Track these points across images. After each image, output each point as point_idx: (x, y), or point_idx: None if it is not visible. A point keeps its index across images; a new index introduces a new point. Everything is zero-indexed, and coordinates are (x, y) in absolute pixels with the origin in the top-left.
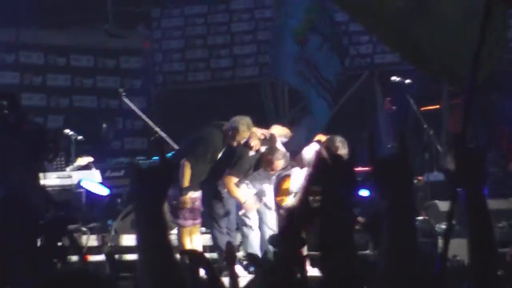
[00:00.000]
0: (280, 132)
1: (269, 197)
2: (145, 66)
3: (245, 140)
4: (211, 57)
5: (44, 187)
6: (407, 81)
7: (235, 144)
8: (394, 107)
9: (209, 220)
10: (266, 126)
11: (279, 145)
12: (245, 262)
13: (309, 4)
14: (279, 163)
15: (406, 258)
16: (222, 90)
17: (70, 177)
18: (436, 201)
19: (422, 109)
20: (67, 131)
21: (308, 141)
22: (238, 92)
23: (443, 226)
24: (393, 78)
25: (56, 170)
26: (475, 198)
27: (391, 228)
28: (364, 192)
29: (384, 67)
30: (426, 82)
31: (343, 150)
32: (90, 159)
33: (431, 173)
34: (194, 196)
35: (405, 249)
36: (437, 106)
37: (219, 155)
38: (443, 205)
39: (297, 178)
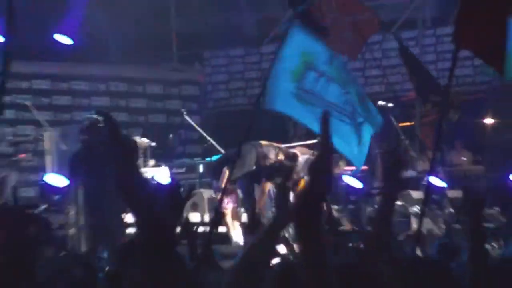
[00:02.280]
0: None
1: None
2: (200, 93)
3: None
4: (247, 87)
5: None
6: (390, 104)
7: (263, 164)
8: None
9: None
10: (286, 140)
11: (299, 164)
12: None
13: (303, 49)
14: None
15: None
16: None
17: (145, 173)
18: (409, 191)
19: (400, 124)
20: (144, 139)
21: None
22: (266, 112)
23: (415, 209)
24: (380, 102)
25: None
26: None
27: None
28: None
29: (372, 96)
30: (403, 106)
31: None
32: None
33: (406, 171)
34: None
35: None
36: (412, 123)
37: (253, 168)
38: (414, 194)
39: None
